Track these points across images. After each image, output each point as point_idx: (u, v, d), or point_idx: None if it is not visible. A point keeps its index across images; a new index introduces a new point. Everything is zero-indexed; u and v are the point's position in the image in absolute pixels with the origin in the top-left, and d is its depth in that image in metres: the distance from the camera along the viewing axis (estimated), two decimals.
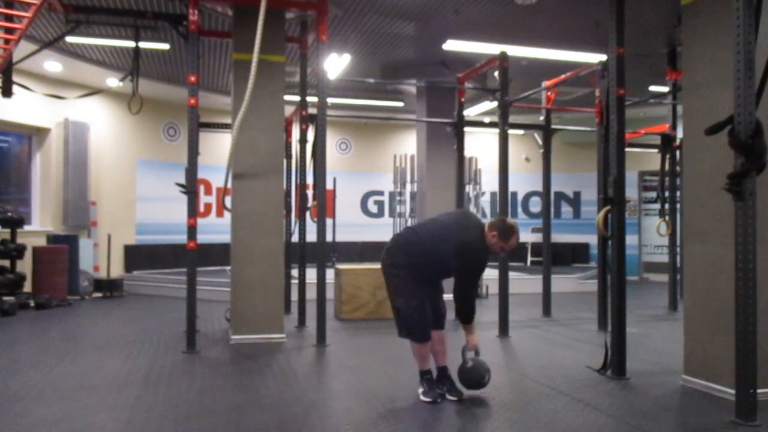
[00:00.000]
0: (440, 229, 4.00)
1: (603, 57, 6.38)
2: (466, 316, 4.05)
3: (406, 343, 4.08)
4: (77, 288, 9.34)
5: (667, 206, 8.11)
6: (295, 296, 7.17)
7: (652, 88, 10.21)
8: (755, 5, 3.50)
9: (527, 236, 13.44)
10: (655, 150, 8.32)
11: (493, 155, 7.25)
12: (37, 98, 8.35)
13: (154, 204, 11.45)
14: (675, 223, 8.17)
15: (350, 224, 13.12)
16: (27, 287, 8.58)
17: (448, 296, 4.13)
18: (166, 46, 8.33)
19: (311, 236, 6.19)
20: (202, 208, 11.87)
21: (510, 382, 4.54)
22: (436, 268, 3.95)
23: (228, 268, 6.64)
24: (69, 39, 7.64)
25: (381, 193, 13.92)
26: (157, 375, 4.65)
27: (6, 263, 8.39)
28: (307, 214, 6.72)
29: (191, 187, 5.63)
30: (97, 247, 10.40)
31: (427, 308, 3.94)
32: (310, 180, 6.67)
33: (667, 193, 8.15)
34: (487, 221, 4.05)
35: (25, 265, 8.61)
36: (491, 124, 8.72)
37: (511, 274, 6.68)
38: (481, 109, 11.53)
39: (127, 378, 4.54)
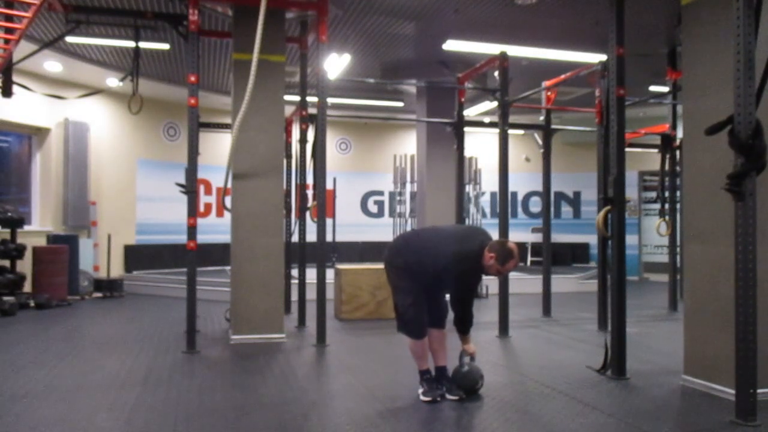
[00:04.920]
0: (440, 237, 3.99)
1: (603, 57, 6.38)
2: (462, 327, 4.05)
3: (405, 343, 4.09)
4: (77, 288, 9.34)
5: (667, 206, 8.11)
6: (295, 296, 7.18)
7: (652, 88, 10.22)
8: (755, 5, 3.50)
9: (527, 236, 13.45)
10: (655, 150, 8.32)
11: (493, 155, 7.25)
12: (37, 98, 8.35)
13: (154, 204, 11.44)
14: (675, 223, 8.17)
15: (350, 224, 13.13)
16: (27, 287, 8.58)
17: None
18: (166, 46, 8.33)
19: (311, 236, 6.19)
20: (202, 208, 11.87)
21: (510, 382, 4.54)
22: (430, 274, 3.92)
23: (228, 268, 6.64)
24: (69, 39, 7.63)
25: (381, 193, 13.92)
26: (157, 375, 4.65)
27: (6, 263, 8.39)
28: (307, 214, 6.72)
29: (191, 187, 5.63)
30: (97, 247, 10.41)
31: (423, 306, 3.95)
32: (310, 180, 6.67)
33: (667, 193, 8.15)
34: (492, 241, 3.91)
35: (25, 265, 8.61)
36: (491, 124, 8.72)
37: (511, 274, 6.66)
38: (481, 109, 11.53)
39: (127, 378, 4.54)
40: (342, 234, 12.25)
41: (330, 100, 7.45)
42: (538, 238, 12.03)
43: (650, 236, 12.73)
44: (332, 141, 13.29)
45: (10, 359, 5.19)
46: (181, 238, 5.82)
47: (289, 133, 7.94)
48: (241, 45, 5.90)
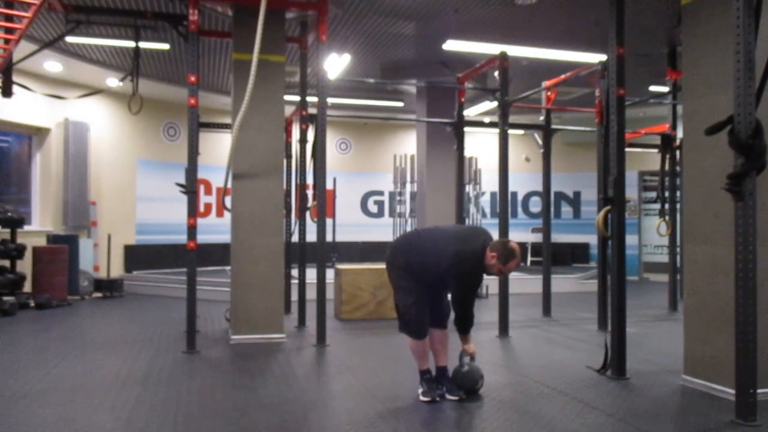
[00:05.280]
0: (442, 236, 3.98)
1: (603, 57, 6.38)
2: (462, 327, 4.04)
3: (405, 343, 4.09)
4: (77, 288, 9.34)
5: (667, 206, 8.11)
6: (295, 296, 7.18)
7: (652, 88, 10.21)
8: (755, 5, 3.51)
9: (527, 236, 13.45)
10: (655, 150, 8.32)
11: (493, 155, 7.25)
12: (37, 98, 8.34)
13: (154, 204, 11.44)
14: (675, 223, 8.17)
15: (350, 224, 13.13)
16: (27, 287, 8.58)
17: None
18: (166, 46, 8.33)
19: (311, 236, 6.19)
20: (202, 208, 11.87)
21: (510, 382, 4.54)
22: (431, 274, 3.93)
23: (228, 268, 6.64)
24: (69, 39, 7.63)
25: (381, 193, 13.92)
26: (157, 375, 4.65)
27: (6, 263, 8.39)
28: (307, 214, 6.72)
29: (191, 187, 5.63)
30: (97, 247, 10.41)
31: (424, 306, 3.95)
32: (310, 180, 6.67)
33: (667, 193, 8.15)
34: (493, 240, 3.92)
35: (25, 265, 8.61)
36: (491, 124, 8.72)
37: (511, 274, 6.65)
38: (481, 109, 11.53)
39: (127, 378, 4.54)
40: (342, 234, 12.25)
41: (330, 100, 7.45)
42: (538, 238, 12.03)
43: (650, 236, 12.72)
44: (332, 141, 13.29)
45: (10, 359, 5.19)
46: (181, 238, 5.82)
47: (289, 133, 7.94)
48: (241, 45, 5.90)
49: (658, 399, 4.06)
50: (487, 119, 11.23)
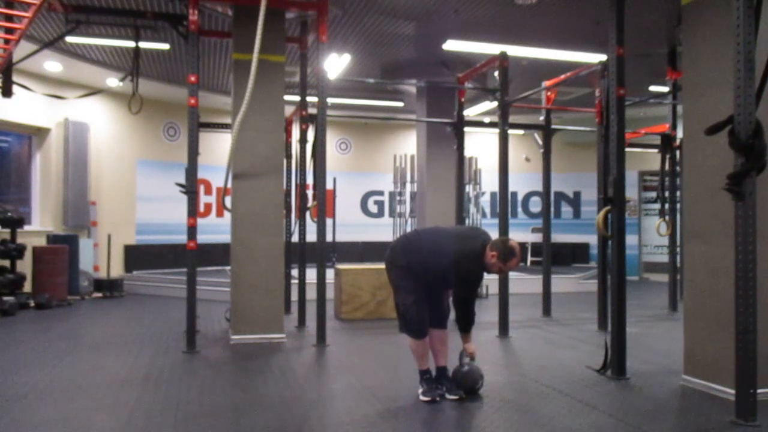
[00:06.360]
0: (442, 237, 4.00)
1: (603, 57, 6.38)
2: (464, 325, 4.05)
3: (405, 344, 4.09)
4: (77, 288, 9.34)
5: (667, 206, 8.11)
6: (295, 296, 7.18)
7: (652, 88, 10.22)
8: (755, 5, 3.51)
9: (527, 236, 13.45)
10: (655, 150, 8.32)
11: (493, 155, 7.25)
12: (37, 98, 8.34)
13: (154, 204, 11.45)
14: (675, 223, 8.17)
15: (350, 224, 13.13)
16: (27, 287, 8.58)
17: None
18: (166, 46, 8.33)
19: (311, 236, 6.19)
20: (202, 208, 11.87)
21: (510, 382, 4.54)
22: (432, 273, 3.94)
23: (228, 268, 6.64)
24: (69, 39, 7.64)
25: (381, 193, 13.92)
26: (157, 375, 4.65)
27: (6, 263, 8.39)
28: (307, 214, 6.72)
29: (191, 187, 5.63)
30: (97, 247, 10.41)
31: (424, 306, 3.96)
32: (310, 180, 6.67)
33: (667, 193, 8.15)
34: (493, 240, 3.94)
35: (25, 265, 8.61)
36: (491, 124, 8.72)
37: (511, 274, 6.66)
38: (481, 109, 11.54)
39: (127, 378, 4.54)
40: (342, 234, 12.25)
41: (330, 100, 7.46)
42: (538, 238, 12.03)
43: (650, 236, 12.73)
44: (332, 141, 13.29)
45: (10, 359, 5.19)
46: (181, 238, 5.83)
47: (289, 133, 7.94)
48: (241, 45, 5.90)
49: (658, 399, 4.06)
50: (487, 119, 11.23)
